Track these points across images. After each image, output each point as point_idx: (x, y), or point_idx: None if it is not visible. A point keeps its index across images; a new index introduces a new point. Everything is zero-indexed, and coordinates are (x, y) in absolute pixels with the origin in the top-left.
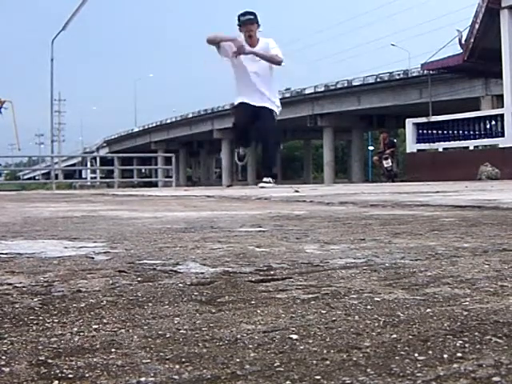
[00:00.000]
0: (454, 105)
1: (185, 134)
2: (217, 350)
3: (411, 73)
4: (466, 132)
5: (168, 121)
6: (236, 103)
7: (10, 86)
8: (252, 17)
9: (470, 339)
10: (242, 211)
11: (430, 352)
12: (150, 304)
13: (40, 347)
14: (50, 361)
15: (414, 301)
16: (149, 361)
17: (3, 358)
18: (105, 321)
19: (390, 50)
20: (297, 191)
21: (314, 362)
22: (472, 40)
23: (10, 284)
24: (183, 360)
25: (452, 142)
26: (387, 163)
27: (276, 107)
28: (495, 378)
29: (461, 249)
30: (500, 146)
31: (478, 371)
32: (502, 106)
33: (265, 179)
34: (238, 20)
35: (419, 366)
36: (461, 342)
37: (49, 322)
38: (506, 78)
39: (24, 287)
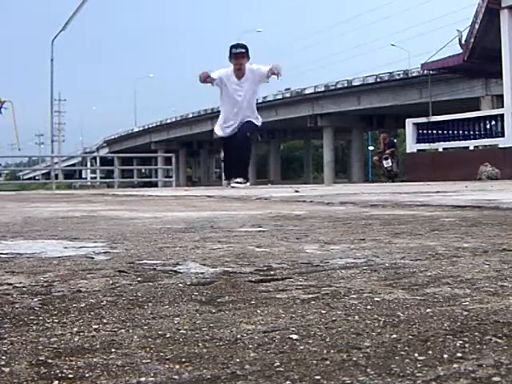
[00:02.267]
0: (454, 105)
1: (185, 134)
2: (217, 350)
3: (411, 73)
4: (466, 132)
5: (168, 121)
6: (219, 135)
7: (10, 86)
8: (243, 50)
9: (470, 339)
10: (242, 211)
11: (430, 352)
12: (150, 304)
13: (40, 347)
14: (50, 361)
15: (413, 301)
16: (149, 361)
17: (3, 358)
18: (105, 321)
19: (390, 50)
20: (297, 191)
21: (314, 362)
22: (472, 40)
23: (10, 284)
24: (183, 360)
25: (452, 142)
26: (387, 163)
27: (257, 121)
28: (495, 378)
29: (461, 249)
30: (500, 146)
31: (478, 371)
32: (502, 106)
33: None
34: (230, 51)
35: (419, 365)
36: (461, 342)
37: (49, 322)
38: (506, 78)
39: (24, 287)
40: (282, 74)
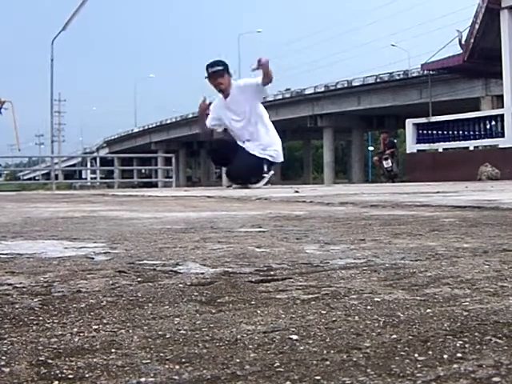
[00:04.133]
0: (454, 105)
1: (185, 134)
2: (217, 350)
3: (411, 73)
4: (466, 132)
5: (168, 121)
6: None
7: (10, 86)
8: (221, 68)
9: (470, 339)
10: (242, 211)
11: (430, 352)
12: (150, 304)
13: (40, 347)
14: (50, 361)
15: (413, 301)
16: (149, 361)
17: (3, 358)
18: (105, 321)
19: (389, 50)
20: (297, 191)
21: (314, 362)
22: (472, 40)
23: (10, 284)
24: (183, 360)
25: (452, 143)
26: (387, 164)
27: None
28: (495, 379)
29: (461, 249)
30: (500, 146)
31: (478, 372)
32: (502, 106)
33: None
34: (206, 71)
35: (419, 366)
36: (461, 342)
37: (49, 323)
38: (506, 78)
39: (24, 287)
40: (271, 75)
